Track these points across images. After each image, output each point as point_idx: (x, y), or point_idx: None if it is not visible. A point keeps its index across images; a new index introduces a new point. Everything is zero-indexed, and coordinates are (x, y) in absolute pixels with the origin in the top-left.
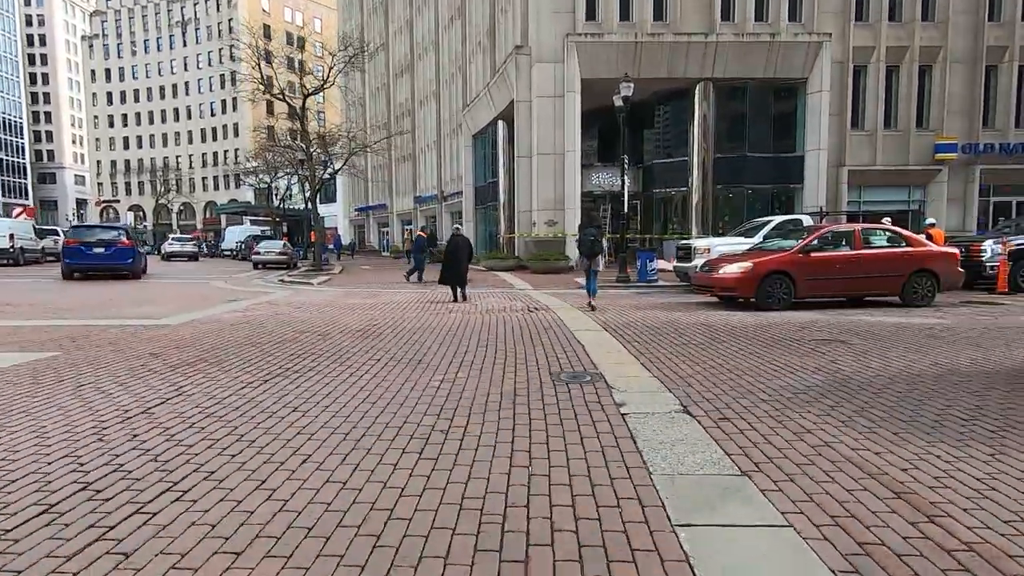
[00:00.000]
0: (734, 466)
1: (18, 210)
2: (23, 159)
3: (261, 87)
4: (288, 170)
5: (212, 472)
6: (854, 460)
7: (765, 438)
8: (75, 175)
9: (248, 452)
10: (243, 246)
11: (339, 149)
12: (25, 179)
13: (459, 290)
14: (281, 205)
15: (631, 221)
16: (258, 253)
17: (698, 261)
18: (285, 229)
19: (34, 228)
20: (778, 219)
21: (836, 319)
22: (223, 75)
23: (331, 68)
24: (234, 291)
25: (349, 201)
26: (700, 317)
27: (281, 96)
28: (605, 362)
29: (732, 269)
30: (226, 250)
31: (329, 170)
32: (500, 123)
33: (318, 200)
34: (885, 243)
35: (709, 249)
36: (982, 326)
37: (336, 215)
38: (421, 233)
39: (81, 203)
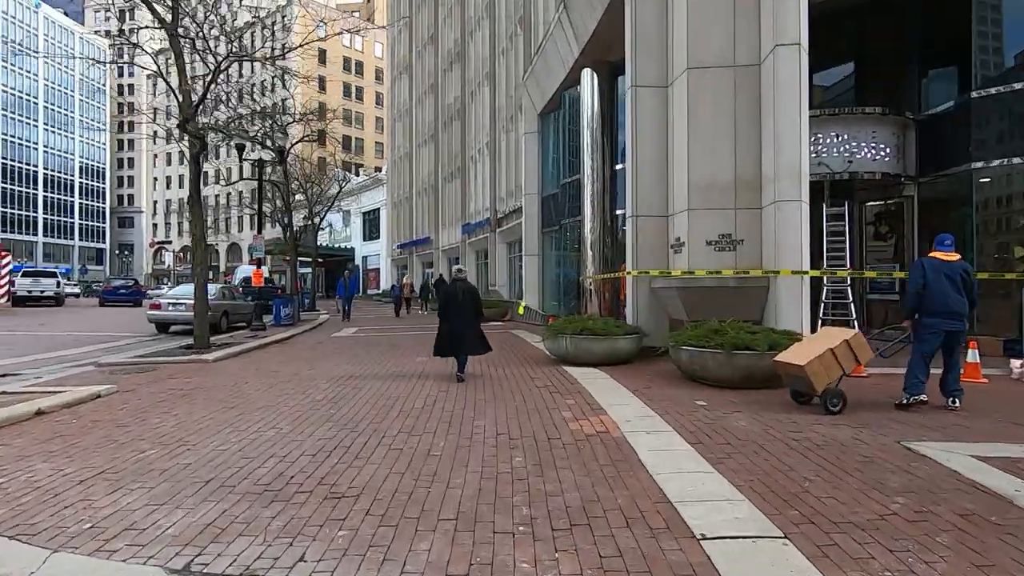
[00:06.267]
0: None
1: None
2: (103, 204)
3: None
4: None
5: None
6: None
7: None
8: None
9: None
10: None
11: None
12: (103, 223)
13: (464, 365)
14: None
15: (885, 237)
16: (157, 307)
17: None
18: (300, 272)
19: None
20: None
21: None
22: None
23: None
24: None
25: (394, 237)
26: None
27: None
28: None
29: None
30: None
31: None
32: (586, 74)
33: (362, 237)
34: None
35: None
36: None
37: (379, 254)
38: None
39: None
